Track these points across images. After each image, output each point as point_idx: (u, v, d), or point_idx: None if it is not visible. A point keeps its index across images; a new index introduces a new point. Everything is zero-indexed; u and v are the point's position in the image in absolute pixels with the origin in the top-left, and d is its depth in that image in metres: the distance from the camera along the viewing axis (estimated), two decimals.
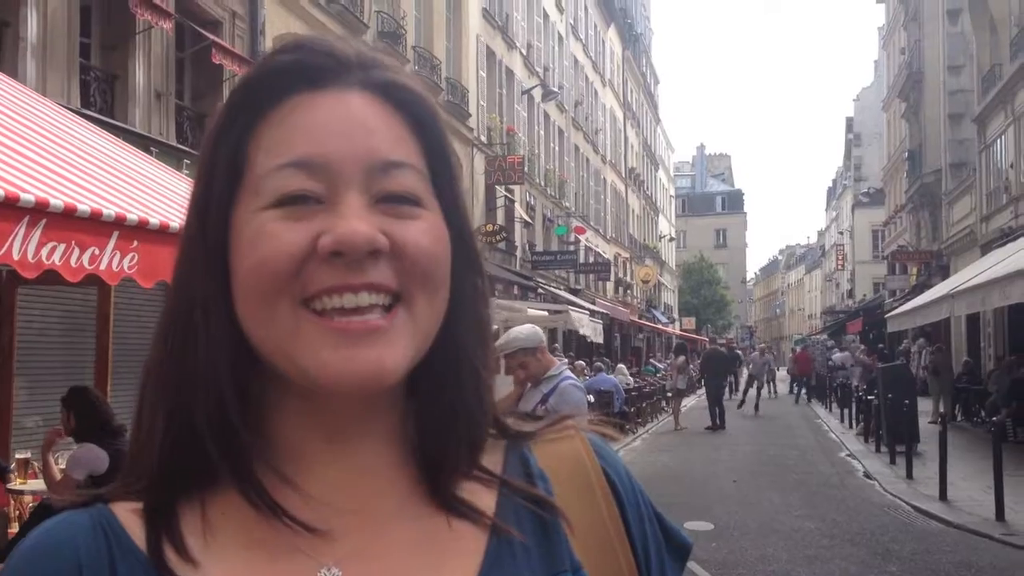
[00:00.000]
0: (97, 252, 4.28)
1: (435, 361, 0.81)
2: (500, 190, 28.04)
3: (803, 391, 35.46)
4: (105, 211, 4.45)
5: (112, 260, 4.37)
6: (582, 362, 22.64)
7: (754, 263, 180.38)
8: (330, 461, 0.80)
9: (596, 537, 0.84)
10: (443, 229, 0.80)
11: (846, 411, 22.80)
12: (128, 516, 0.80)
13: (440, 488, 0.82)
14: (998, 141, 26.88)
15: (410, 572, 0.78)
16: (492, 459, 0.86)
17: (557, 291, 32.85)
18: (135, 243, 4.53)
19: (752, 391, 29.91)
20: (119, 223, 4.50)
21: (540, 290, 30.82)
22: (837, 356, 32.37)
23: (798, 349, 45.79)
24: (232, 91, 0.82)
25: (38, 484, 6.79)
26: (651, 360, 39.95)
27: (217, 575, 0.76)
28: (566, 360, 5.89)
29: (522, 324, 5.68)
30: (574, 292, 36.06)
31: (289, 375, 0.76)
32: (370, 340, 0.74)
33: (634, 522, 0.87)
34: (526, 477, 0.85)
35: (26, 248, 3.83)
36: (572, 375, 5.44)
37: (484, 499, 0.83)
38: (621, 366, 26.58)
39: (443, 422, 0.82)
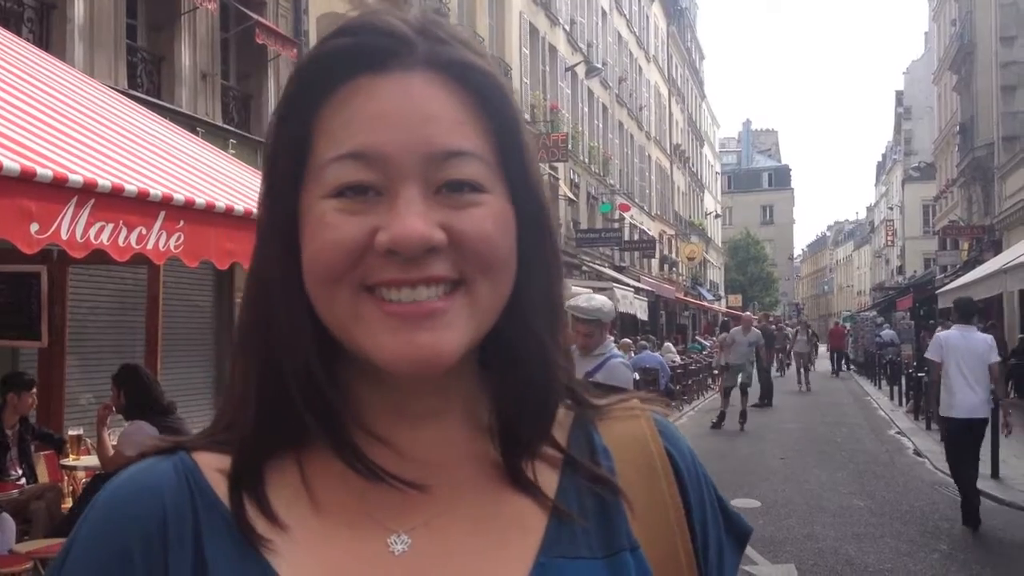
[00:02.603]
0: (144, 232, 4.34)
1: (505, 339, 0.81)
2: (544, 168, 27.95)
3: (841, 364, 37.53)
4: (152, 191, 4.51)
5: (159, 239, 4.43)
6: (628, 340, 22.61)
7: (801, 240, 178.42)
8: (402, 435, 0.81)
9: (656, 518, 0.84)
10: (507, 212, 0.79)
11: (895, 388, 22.54)
12: (211, 469, 0.81)
13: (509, 465, 0.82)
14: None
15: (474, 546, 0.80)
16: (560, 431, 0.86)
17: (602, 268, 32.77)
18: (181, 223, 4.58)
19: (799, 371, 27.85)
20: (165, 203, 4.56)
21: (584, 268, 30.76)
22: (886, 333, 32.01)
23: (833, 325, 47.93)
24: (291, 76, 0.81)
25: (91, 460, 6.93)
26: (697, 337, 39.78)
27: (299, 539, 0.78)
28: (611, 338, 5.90)
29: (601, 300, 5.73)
30: (619, 270, 35.95)
31: (355, 354, 0.77)
32: (428, 324, 0.74)
33: (695, 505, 0.87)
34: (590, 453, 0.85)
35: (74, 228, 3.89)
36: (620, 353, 5.46)
37: (548, 477, 0.83)
38: (667, 344, 26.52)
39: (512, 400, 0.82)
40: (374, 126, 0.75)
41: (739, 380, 17.91)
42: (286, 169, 0.79)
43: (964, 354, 8.79)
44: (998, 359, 9.02)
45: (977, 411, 8.74)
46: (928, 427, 16.18)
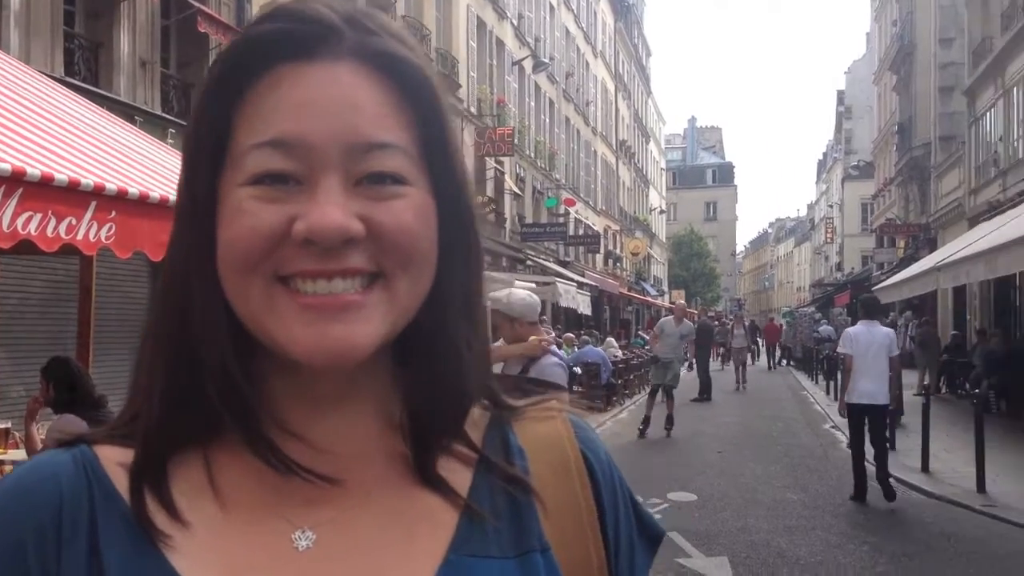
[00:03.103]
0: (74, 222, 4.26)
1: (420, 335, 0.81)
2: (490, 162, 27.95)
3: (772, 358, 38.97)
4: (83, 180, 4.44)
5: (89, 230, 4.36)
6: (570, 334, 22.71)
7: (744, 236, 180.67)
8: (314, 428, 0.80)
9: (569, 519, 0.84)
10: (429, 205, 0.79)
11: (831, 383, 22.91)
12: (112, 463, 0.80)
13: (418, 462, 0.82)
14: (988, 114, 26.88)
15: (382, 542, 0.79)
16: (476, 431, 0.86)
17: (546, 263, 32.87)
18: (113, 213, 4.51)
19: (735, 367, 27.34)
20: (97, 193, 4.48)
21: (529, 262, 30.83)
22: (823, 328, 32.54)
23: (768, 321, 49.69)
24: (215, 60, 0.80)
25: (19, 454, 6.79)
26: (640, 332, 40.05)
27: (201, 535, 0.77)
28: (553, 333, 5.86)
29: (518, 296, 5.64)
30: (563, 264, 36.07)
31: (267, 346, 0.76)
32: (342, 316, 0.74)
33: (608, 507, 0.87)
34: (505, 454, 0.85)
35: (1, 218, 3.81)
36: (556, 353, 5.44)
37: (461, 475, 0.83)
38: (610, 339, 26.65)
39: (423, 396, 0.81)
40: (297, 114, 0.74)
41: (666, 379, 15.88)
42: (205, 155, 0.77)
43: (868, 347, 9.76)
44: (898, 351, 10.06)
45: (876, 398, 9.75)
46: None
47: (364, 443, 0.82)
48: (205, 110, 0.78)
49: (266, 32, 0.76)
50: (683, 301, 16.61)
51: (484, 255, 0.87)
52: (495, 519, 0.81)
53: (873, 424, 9.98)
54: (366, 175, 0.75)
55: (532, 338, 5.32)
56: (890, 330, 10.78)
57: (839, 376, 21.11)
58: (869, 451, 10.04)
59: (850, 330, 10.55)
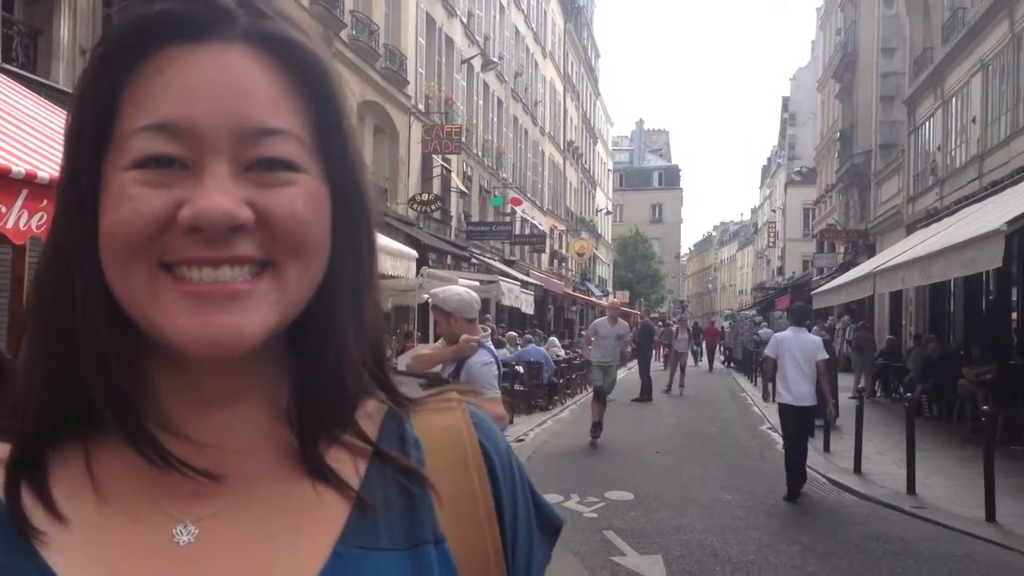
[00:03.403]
0: (3, 210, 4.20)
1: (310, 325, 0.80)
2: (437, 159, 27.88)
3: (711, 360, 39.27)
4: (14, 168, 4.37)
5: (19, 219, 4.29)
6: (513, 333, 22.75)
7: (689, 239, 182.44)
8: (199, 422, 0.79)
9: (465, 510, 0.84)
10: (321, 193, 0.77)
11: (770, 385, 23.16)
12: None
13: (307, 453, 0.81)
14: (927, 124, 27.43)
15: (267, 535, 0.77)
16: (371, 424, 0.85)
17: (491, 262, 32.88)
18: (44, 202, 4.45)
19: (676, 372, 26.11)
20: (29, 181, 4.42)
21: (474, 260, 30.82)
22: (763, 331, 32.96)
23: (708, 323, 50.87)
24: (101, 39, 0.77)
25: None
26: (583, 332, 40.24)
27: (78, 531, 0.75)
28: (488, 331, 5.83)
29: (455, 291, 5.64)
30: (509, 263, 36.12)
31: (151, 335, 0.74)
32: (229, 306, 0.72)
33: (507, 498, 0.87)
34: (400, 444, 0.85)
35: None
36: (489, 347, 5.45)
37: (353, 466, 0.82)
38: (552, 338, 26.76)
39: (310, 387, 0.80)
40: (185, 97, 0.72)
41: (605, 382, 14.85)
42: (89, 137, 0.75)
43: (796, 351, 10.37)
44: (825, 357, 10.54)
45: (804, 399, 10.31)
46: None
47: (252, 436, 0.80)
48: (90, 90, 0.76)
49: (156, 12, 0.75)
50: (617, 299, 15.78)
51: (377, 245, 0.87)
52: (387, 511, 0.81)
53: (800, 428, 10.49)
54: (256, 161, 0.74)
55: (463, 337, 5.32)
56: (817, 337, 11.48)
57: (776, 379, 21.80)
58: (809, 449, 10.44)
59: (779, 335, 11.16)
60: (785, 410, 10.52)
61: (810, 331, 11.57)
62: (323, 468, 0.81)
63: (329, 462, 0.81)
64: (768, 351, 10.98)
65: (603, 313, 16.57)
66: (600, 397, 14.71)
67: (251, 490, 0.79)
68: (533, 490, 0.92)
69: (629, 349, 17.53)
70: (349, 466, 0.82)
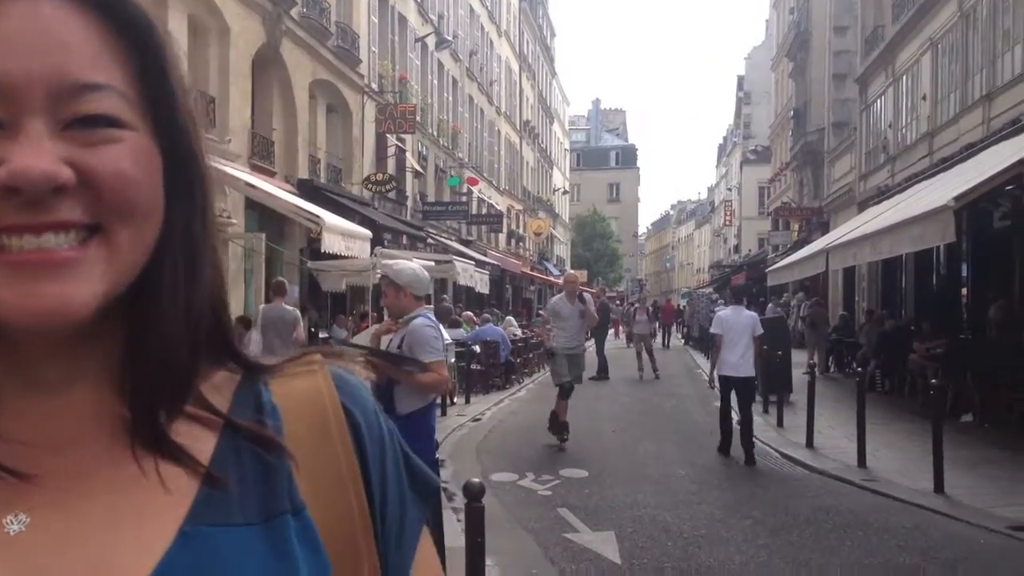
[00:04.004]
0: None
1: (144, 293, 0.75)
2: (391, 139, 27.68)
3: (667, 337, 39.64)
4: None
5: None
6: (470, 313, 22.73)
7: (646, 218, 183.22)
8: (30, 404, 0.74)
9: (327, 476, 0.81)
10: (150, 151, 0.73)
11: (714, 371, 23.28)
12: None
13: (147, 430, 0.75)
14: (878, 101, 27.69)
15: (107, 521, 0.73)
16: (221, 395, 0.81)
17: (448, 242, 32.78)
18: None
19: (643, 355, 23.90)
20: None
21: (430, 240, 30.70)
22: (720, 309, 33.25)
23: (665, 301, 51.68)
24: None
25: None
26: (540, 312, 40.31)
27: None
28: (430, 307, 5.77)
29: (409, 265, 5.57)
30: (466, 243, 36.04)
31: None
32: (53, 275, 0.68)
33: (373, 461, 0.84)
34: (256, 413, 0.80)
35: None
36: (430, 317, 5.39)
37: (202, 441, 0.77)
38: (510, 318, 26.80)
39: (149, 359, 0.75)
40: None
41: (574, 373, 12.34)
42: None
43: (735, 327, 11.29)
44: (761, 332, 11.51)
45: (741, 370, 11.26)
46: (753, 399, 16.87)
47: (87, 416, 0.75)
48: None
49: None
50: (574, 271, 14.20)
51: (215, 206, 0.82)
52: (240, 484, 0.76)
53: (740, 394, 11.45)
54: (76, 118, 0.69)
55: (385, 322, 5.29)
56: (754, 313, 12.43)
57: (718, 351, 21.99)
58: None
59: (721, 313, 12.16)
60: (725, 380, 11.43)
61: (765, 308, 12.02)
62: (167, 444, 0.76)
63: (175, 438, 0.76)
64: (714, 328, 11.74)
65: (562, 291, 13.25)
66: (566, 393, 12.25)
67: (89, 472, 0.74)
68: (406, 451, 0.89)
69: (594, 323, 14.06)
70: (198, 441, 0.77)
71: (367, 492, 0.83)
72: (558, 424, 12.23)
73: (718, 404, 16.84)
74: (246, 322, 13.66)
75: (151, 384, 0.76)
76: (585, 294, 12.80)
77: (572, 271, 14.55)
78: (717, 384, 11.67)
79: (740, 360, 11.20)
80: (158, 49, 0.75)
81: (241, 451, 0.78)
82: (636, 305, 28.75)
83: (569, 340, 12.21)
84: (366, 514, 0.82)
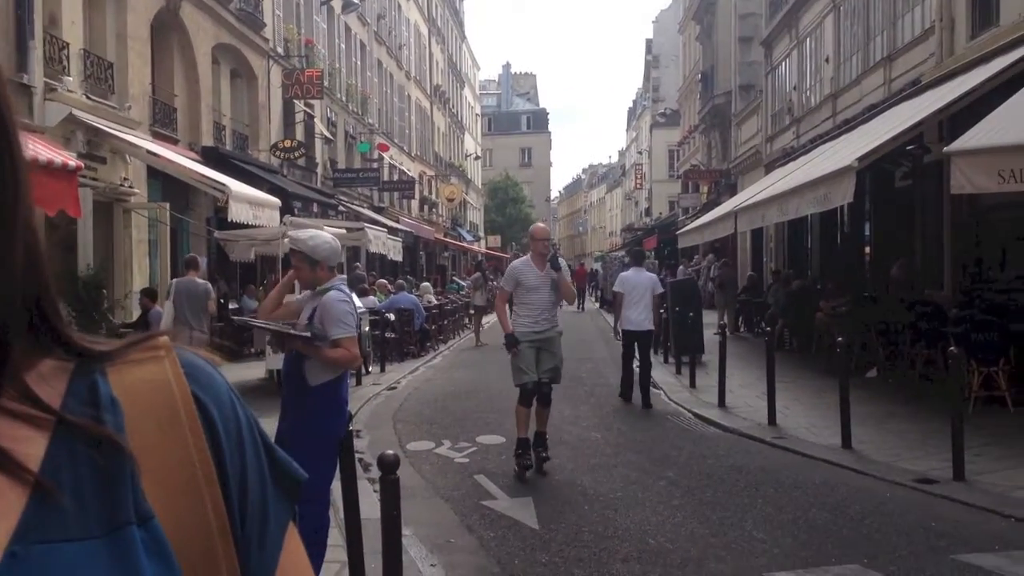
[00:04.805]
0: None
1: None
2: (299, 105, 27.17)
3: (582, 301, 40.19)
4: None
5: None
6: (384, 280, 22.53)
7: (559, 182, 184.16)
8: None
9: (178, 477, 0.72)
10: None
11: (618, 324, 23.55)
12: None
13: None
14: (783, 64, 28.09)
15: None
16: (51, 388, 0.71)
17: (360, 209, 32.40)
18: None
19: None
20: None
21: (342, 208, 30.30)
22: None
23: (579, 265, 52.11)
24: None
25: None
26: (455, 278, 40.21)
27: None
28: (341, 278, 5.59)
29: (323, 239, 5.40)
30: (378, 210, 35.66)
31: None
32: None
33: (230, 455, 0.76)
34: (92, 409, 0.71)
35: None
36: (344, 290, 5.26)
37: (30, 443, 0.68)
38: (426, 284, 26.63)
39: None
40: None
41: (548, 366, 8.76)
42: None
43: (636, 287, 12.56)
44: (661, 291, 13.11)
45: (642, 325, 12.59)
46: (665, 360, 17.12)
47: None
48: None
49: None
50: (543, 224, 10.25)
51: (26, 171, 0.73)
52: (76, 492, 0.68)
53: (641, 345, 12.86)
54: None
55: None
56: (652, 274, 13.86)
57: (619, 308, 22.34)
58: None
59: (623, 274, 13.45)
60: (628, 334, 12.83)
61: (676, 271, 12.46)
62: None
63: None
64: (616, 287, 13.11)
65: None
66: (528, 398, 8.70)
67: None
68: (267, 442, 0.81)
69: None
70: (24, 443, 0.68)
71: (224, 491, 0.75)
72: (519, 443, 8.81)
73: (634, 367, 17.18)
74: (152, 295, 13.35)
75: None
76: (561, 259, 9.40)
77: (541, 224, 10.18)
78: (621, 336, 13.11)
79: (641, 316, 12.47)
80: None
81: (77, 454, 0.69)
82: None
83: (536, 321, 8.69)
84: (223, 515, 0.74)
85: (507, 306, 9.12)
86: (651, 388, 13.16)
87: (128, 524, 0.68)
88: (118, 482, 0.69)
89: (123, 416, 0.72)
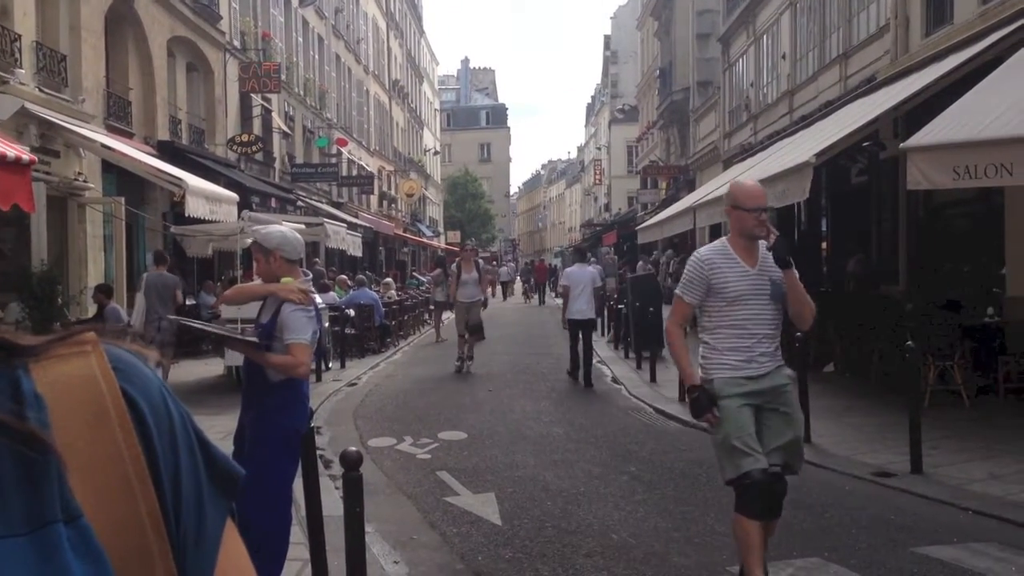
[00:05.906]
0: None
1: None
2: (256, 99, 26.91)
3: (542, 295, 40.83)
4: None
5: None
6: (344, 276, 22.39)
7: (518, 178, 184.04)
8: None
9: (108, 475, 0.70)
10: None
11: (599, 320, 23.68)
12: None
13: None
14: (740, 61, 28.28)
15: None
16: None
17: (319, 204, 32.18)
18: None
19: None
20: None
21: (300, 203, 30.07)
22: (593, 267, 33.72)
23: (539, 261, 51.83)
24: None
25: None
26: (414, 273, 40.11)
27: None
28: (311, 275, 5.52)
29: (278, 228, 5.32)
30: (336, 206, 35.46)
31: None
32: None
33: (163, 452, 0.74)
34: (14, 405, 0.69)
35: None
36: (309, 288, 5.18)
37: None
38: (388, 280, 26.52)
39: None
40: None
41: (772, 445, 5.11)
42: None
43: (579, 281, 14.39)
44: (599, 284, 15.34)
45: (586, 314, 14.39)
46: (626, 355, 17.19)
47: None
48: None
49: None
50: (752, 181, 8.48)
51: None
52: None
53: (584, 332, 14.40)
54: None
55: (296, 282, 5.07)
56: (595, 268, 15.90)
57: (605, 313, 22.46)
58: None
59: (568, 269, 15.43)
60: (573, 323, 14.42)
61: (636, 266, 12.55)
62: None
63: None
64: (562, 282, 14.82)
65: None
66: (758, 501, 5.09)
67: None
68: (202, 438, 0.79)
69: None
70: None
71: (157, 489, 0.73)
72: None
73: (595, 362, 17.30)
74: (107, 291, 13.16)
75: None
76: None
77: (749, 181, 5.22)
78: (567, 326, 14.65)
79: (584, 307, 14.26)
80: None
81: None
82: (508, 263, 29.78)
83: (750, 359, 5.00)
84: (156, 513, 0.72)
85: (683, 331, 5.21)
86: (616, 383, 13.18)
87: (54, 522, 0.66)
88: (43, 480, 0.67)
89: (47, 412, 0.70)
